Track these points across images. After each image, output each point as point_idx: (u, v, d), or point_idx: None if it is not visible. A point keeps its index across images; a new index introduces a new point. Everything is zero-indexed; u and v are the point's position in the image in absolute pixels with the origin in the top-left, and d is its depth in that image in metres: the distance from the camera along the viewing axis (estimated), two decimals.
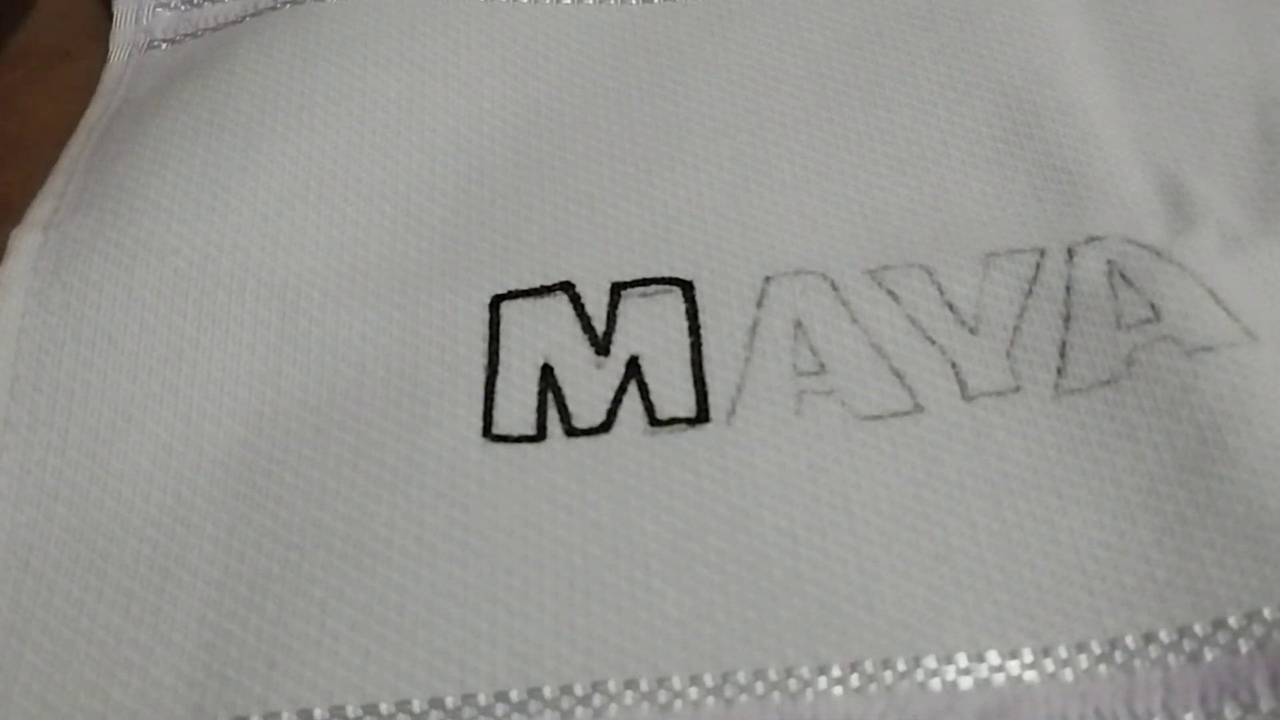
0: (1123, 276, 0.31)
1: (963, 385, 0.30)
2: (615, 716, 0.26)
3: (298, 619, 0.27)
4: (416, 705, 0.26)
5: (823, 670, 0.26)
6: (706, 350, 0.31)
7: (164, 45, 0.39)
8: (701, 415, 0.30)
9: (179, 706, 0.26)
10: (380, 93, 0.36)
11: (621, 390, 0.30)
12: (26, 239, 0.33)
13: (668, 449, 0.29)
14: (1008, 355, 0.30)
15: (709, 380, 0.30)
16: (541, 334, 0.31)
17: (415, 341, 0.31)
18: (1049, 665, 0.26)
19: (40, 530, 0.29)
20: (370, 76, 0.36)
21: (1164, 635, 0.26)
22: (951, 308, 0.31)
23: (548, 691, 0.26)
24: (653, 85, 0.35)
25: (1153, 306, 0.30)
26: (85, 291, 0.32)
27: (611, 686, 0.26)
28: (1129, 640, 0.26)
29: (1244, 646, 0.25)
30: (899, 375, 0.30)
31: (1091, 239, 0.31)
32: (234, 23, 0.39)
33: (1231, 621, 0.26)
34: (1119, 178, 0.33)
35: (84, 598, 0.28)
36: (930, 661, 0.26)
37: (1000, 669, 0.26)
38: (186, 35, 0.39)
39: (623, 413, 0.30)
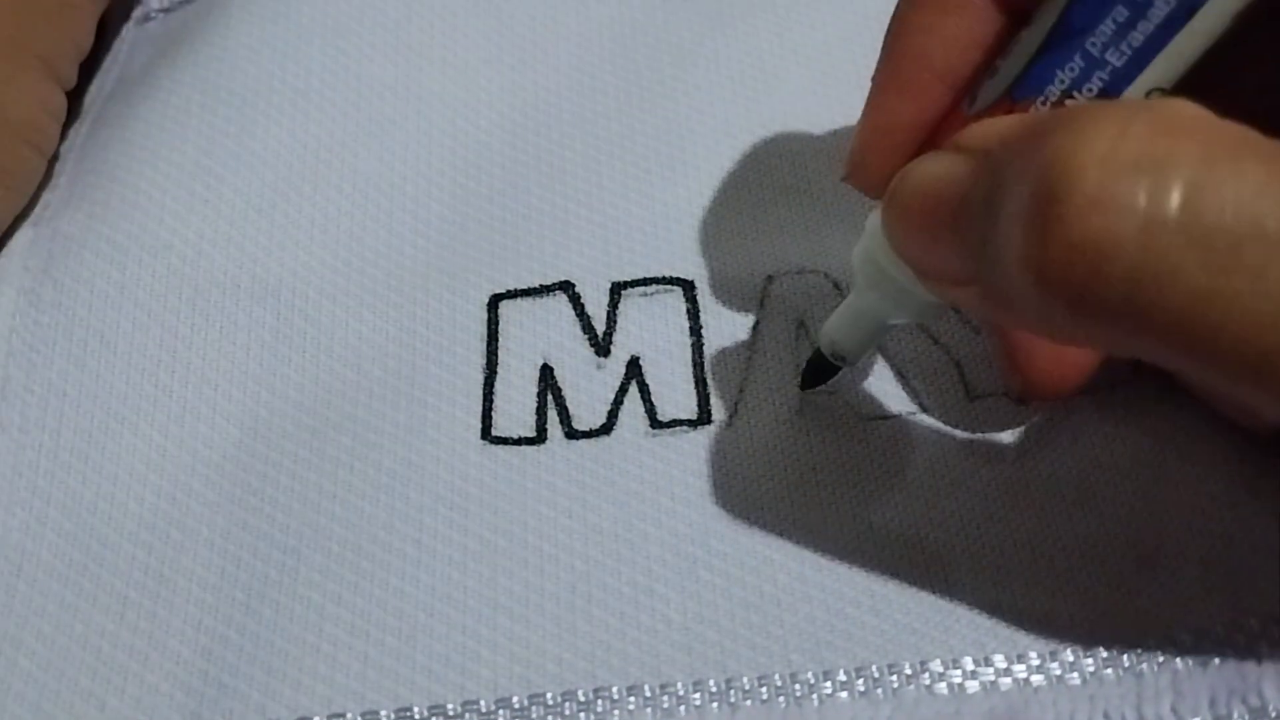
0: None
1: (967, 386, 0.29)
2: None
3: (295, 624, 0.27)
4: (417, 712, 0.26)
5: (828, 675, 0.26)
6: (708, 351, 0.30)
7: (159, 16, 0.38)
8: (703, 417, 0.29)
9: (176, 714, 0.26)
10: (375, 78, 0.35)
11: (622, 391, 0.30)
12: (17, 235, 0.33)
13: (669, 451, 0.29)
14: None
15: (710, 382, 0.30)
16: (541, 334, 0.31)
17: (412, 341, 0.31)
18: (1056, 668, 0.26)
19: (32, 534, 0.28)
20: (365, 60, 0.36)
21: (1175, 638, 0.26)
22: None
23: (550, 697, 0.26)
24: (653, 82, 0.35)
25: None
26: (77, 289, 0.32)
27: (614, 691, 0.26)
28: (1139, 643, 0.26)
29: (1254, 650, 0.25)
30: (903, 376, 0.30)
31: None
32: None
33: (1250, 624, 0.25)
34: None
35: (78, 603, 0.28)
36: (936, 665, 0.26)
37: (1007, 672, 0.26)
38: (182, 2, 0.38)
39: (623, 414, 0.30)
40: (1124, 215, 0.18)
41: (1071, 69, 0.22)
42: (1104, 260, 0.19)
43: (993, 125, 0.22)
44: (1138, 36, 0.21)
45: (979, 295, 0.21)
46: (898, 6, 0.25)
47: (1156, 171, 0.18)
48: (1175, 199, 0.18)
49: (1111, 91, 0.22)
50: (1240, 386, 0.19)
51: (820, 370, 0.28)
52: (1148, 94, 0.22)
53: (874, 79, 0.25)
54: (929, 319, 0.28)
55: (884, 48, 0.25)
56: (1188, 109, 0.19)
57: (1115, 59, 0.22)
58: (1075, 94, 0.22)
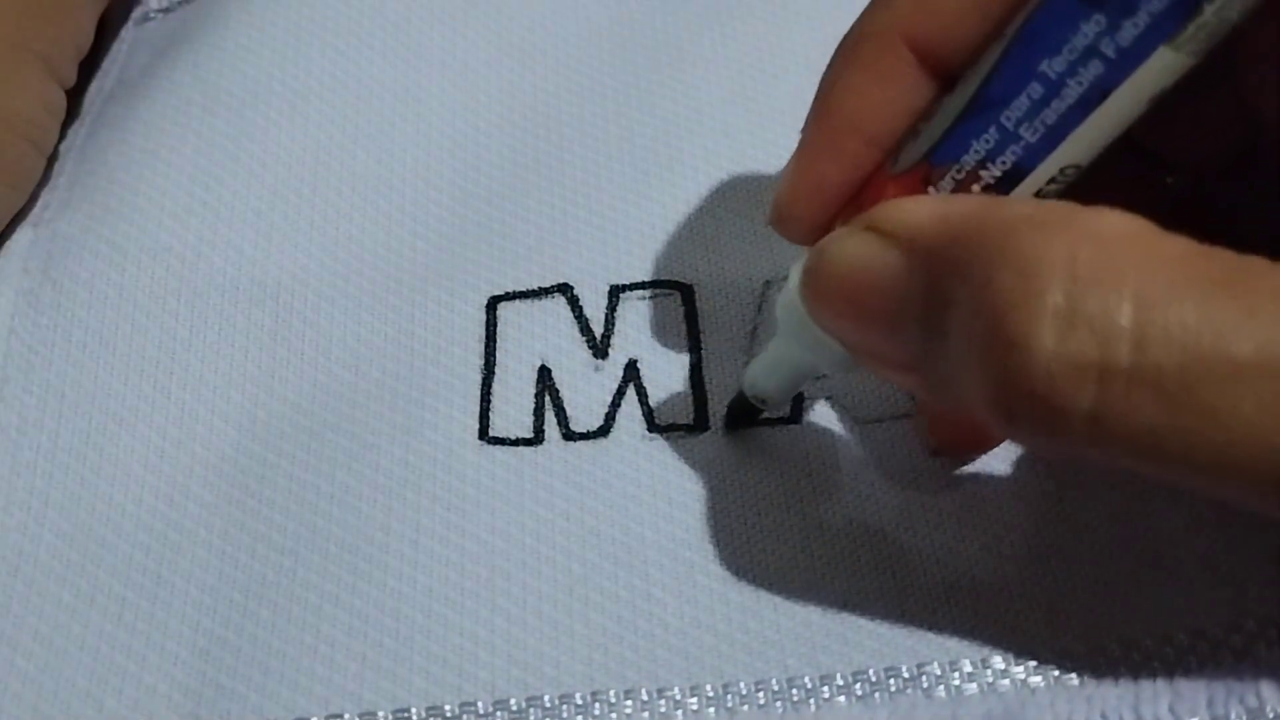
0: None
1: None
2: None
3: (293, 625, 0.27)
4: (414, 713, 0.26)
5: (825, 679, 0.26)
6: (706, 355, 0.30)
7: (158, 16, 0.38)
8: (700, 422, 0.29)
9: (174, 715, 0.26)
10: (374, 80, 0.35)
11: (620, 394, 0.30)
12: (17, 236, 0.33)
13: (666, 454, 0.29)
14: None
15: (708, 386, 0.30)
16: (539, 336, 0.31)
17: (411, 343, 0.31)
18: (1054, 669, 0.25)
19: (30, 535, 0.29)
20: (364, 61, 0.36)
21: (1173, 638, 0.25)
22: None
23: (547, 700, 0.26)
24: (652, 84, 0.35)
25: None
26: (76, 291, 0.32)
27: (611, 695, 0.26)
28: (1138, 643, 0.26)
29: (1252, 651, 0.25)
30: None
31: None
32: None
33: (1248, 625, 0.25)
34: None
35: (76, 604, 0.28)
36: (934, 668, 0.26)
37: (1005, 674, 0.26)
38: (181, 2, 0.38)
39: (621, 417, 0.30)
40: (1081, 370, 0.19)
41: (987, 140, 0.22)
42: (1065, 406, 0.20)
43: (914, 212, 0.22)
44: (1051, 114, 0.21)
45: (923, 387, 0.22)
46: (830, 65, 0.25)
47: (1107, 320, 0.19)
48: (1125, 350, 0.19)
49: (1024, 166, 0.22)
50: (1208, 495, 0.20)
51: (743, 412, 0.29)
52: (1061, 170, 0.22)
53: (803, 131, 0.26)
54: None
55: (815, 103, 0.26)
56: (1126, 226, 0.20)
57: (1029, 134, 0.22)
58: (989, 164, 0.22)
